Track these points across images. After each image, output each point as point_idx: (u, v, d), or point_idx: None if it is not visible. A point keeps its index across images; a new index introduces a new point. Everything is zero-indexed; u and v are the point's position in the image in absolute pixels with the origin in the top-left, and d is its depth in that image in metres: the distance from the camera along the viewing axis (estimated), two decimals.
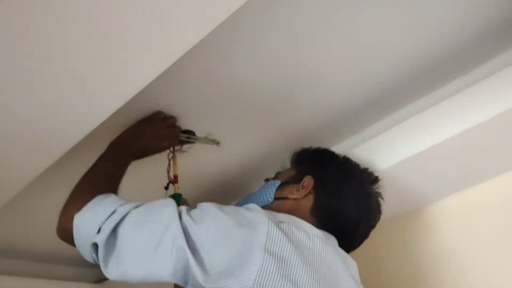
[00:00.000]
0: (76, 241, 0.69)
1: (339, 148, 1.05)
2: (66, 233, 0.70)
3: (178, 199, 0.92)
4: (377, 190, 0.88)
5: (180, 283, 0.64)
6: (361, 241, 0.86)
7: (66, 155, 0.80)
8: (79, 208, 0.69)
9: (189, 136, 0.97)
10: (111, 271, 0.64)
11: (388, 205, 0.89)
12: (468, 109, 0.86)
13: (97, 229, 0.66)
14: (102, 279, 1.49)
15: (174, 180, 0.93)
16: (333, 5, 0.73)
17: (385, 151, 0.95)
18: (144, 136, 0.88)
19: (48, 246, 1.26)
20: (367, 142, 1.00)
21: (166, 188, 0.94)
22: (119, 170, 0.83)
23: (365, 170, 0.89)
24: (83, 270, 1.48)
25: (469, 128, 0.84)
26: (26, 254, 1.32)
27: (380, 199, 0.88)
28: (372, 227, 0.86)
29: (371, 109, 1.02)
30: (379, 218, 0.87)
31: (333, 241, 0.77)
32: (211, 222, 0.65)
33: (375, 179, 0.89)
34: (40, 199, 1.05)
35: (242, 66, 0.83)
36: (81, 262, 1.40)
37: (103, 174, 0.79)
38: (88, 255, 0.68)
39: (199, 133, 0.99)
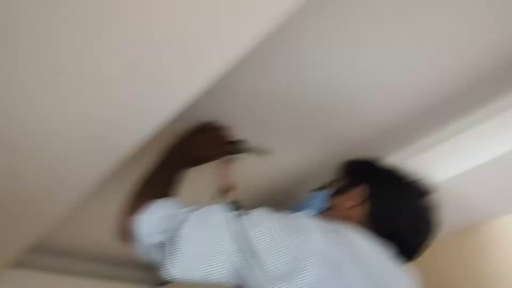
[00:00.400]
0: (137, 242, 0.73)
1: (392, 160, 1.03)
2: (126, 234, 0.75)
3: (238, 205, 0.95)
4: (431, 201, 0.85)
5: (238, 283, 0.66)
6: (421, 250, 0.82)
7: (129, 161, 0.85)
8: (139, 211, 0.74)
9: (240, 146, 1.00)
10: (173, 270, 0.67)
11: (447, 219, 0.86)
12: None
13: (160, 231, 0.70)
14: (164, 282, 1.54)
15: (232, 187, 0.96)
16: (380, 17, 0.74)
17: (443, 163, 0.93)
18: (201, 144, 0.91)
19: (113, 249, 1.34)
20: (422, 154, 0.97)
21: (216, 197, 0.96)
22: (176, 177, 0.86)
23: (417, 181, 0.87)
24: (146, 274, 1.55)
25: None
26: (90, 256, 1.41)
27: (434, 210, 0.84)
28: (425, 238, 0.82)
29: (426, 121, 0.99)
30: (433, 230, 0.83)
31: (387, 248, 0.76)
32: (266, 226, 0.67)
33: (428, 189, 0.86)
34: (102, 203, 1.12)
35: (291, 80, 0.85)
36: (145, 266, 1.48)
37: (161, 180, 0.83)
38: (149, 256, 0.72)
39: (248, 144, 1.02)
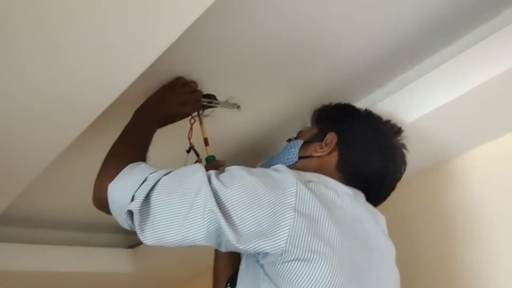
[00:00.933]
0: (111, 210, 0.71)
1: (363, 103, 1.03)
2: (101, 203, 0.72)
3: (212, 160, 0.94)
4: (401, 141, 0.87)
5: (213, 245, 0.66)
6: (388, 194, 0.86)
7: (93, 125, 0.81)
8: (111, 178, 0.71)
9: (210, 101, 0.97)
10: (148, 237, 0.66)
11: (415, 158, 0.89)
12: (496, 55, 0.82)
13: (131, 197, 0.68)
14: (135, 244, 1.55)
15: (205, 143, 0.95)
16: None
17: (411, 104, 0.93)
18: (168, 103, 0.88)
19: (82, 215, 1.31)
20: (391, 95, 0.98)
21: (188, 151, 0.95)
22: (146, 138, 0.84)
23: (388, 122, 0.88)
24: (117, 237, 1.54)
25: (496, 76, 0.81)
26: (62, 223, 1.38)
27: (404, 150, 0.87)
28: (398, 179, 0.86)
29: (394, 62, 0.98)
30: (404, 170, 0.86)
31: (361, 197, 0.78)
32: (240, 184, 0.66)
33: (399, 130, 0.87)
34: (71, 169, 1.08)
35: (257, 28, 0.81)
36: (115, 229, 1.47)
37: (132, 143, 0.81)
38: (124, 223, 0.70)
39: (220, 97, 0.99)
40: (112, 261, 1.47)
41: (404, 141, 0.87)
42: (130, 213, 0.68)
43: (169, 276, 1.70)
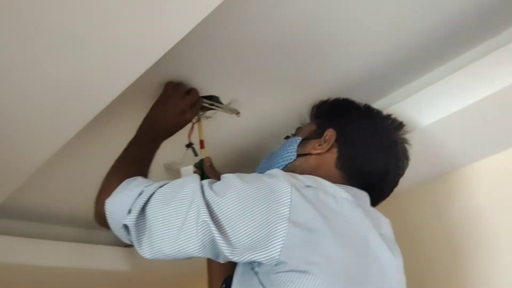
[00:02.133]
0: (110, 226, 0.71)
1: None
2: (101, 219, 0.72)
3: (201, 164, 0.93)
4: (402, 136, 0.84)
5: (211, 256, 0.65)
6: (391, 190, 0.83)
7: (93, 123, 0.81)
8: (109, 193, 0.71)
9: (212, 103, 0.97)
10: (145, 250, 0.66)
11: (424, 165, 0.86)
12: (508, 66, 0.80)
13: (127, 211, 0.68)
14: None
15: (201, 145, 0.94)
16: None
17: (422, 110, 0.91)
18: (165, 116, 0.87)
19: (81, 211, 1.31)
20: (403, 101, 0.95)
21: (187, 146, 0.94)
22: (148, 153, 0.84)
23: (388, 116, 0.86)
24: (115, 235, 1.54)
25: (508, 86, 0.79)
26: (61, 219, 1.38)
27: (406, 145, 0.84)
28: (400, 174, 0.83)
29: (401, 70, 0.97)
30: (407, 165, 0.84)
31: (363, 199, 0.75)
32: (233, 194, 0.64)
33: (400, 125, 0.85)
34: (71, 165, 1.08)
35: (264, 24, 0.80)
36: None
37: (132, 159, 0.81)
38: (124, 237, 0.70)
39: (222, 99, 0.98)
40: (109, 259, 1.47)
41: (406, 136, 0.84)
42: (127, 227, 0.68)
43: (166, 275, 1.70)
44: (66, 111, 0.77)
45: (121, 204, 0.69)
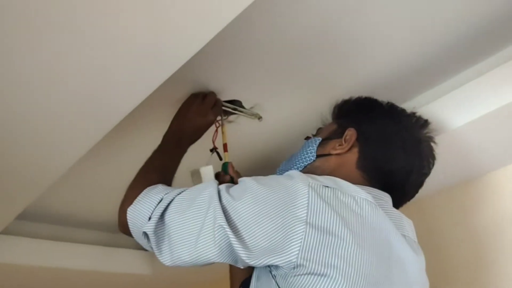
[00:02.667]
0: (132, 234, 0.72)
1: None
2: (124, 227, 0.73)
3: (225, 167, 0.93)
4: (428, 134, 0.81)
5: (229, 262, 0.64)
6: (415, 191, 0.81)
7: (118, 128, 0.82)
8: (131, 202, 0.72)
9: (234, 107, 0.97)
10: (166, 258, 0.66)
11: (450, 171, 0.84)
12: None
13: (147, 219, 0.69)
14: None
15: (224, 149, 0.94)
16: None
17: (451, 112, 0.88)
18: (189, 120, 0.88)
19: (104, 216, 1.32)
20: (430, 103, 0.93)
21: (212, 151, 0.95)
22: (171, 161, 0.85)
23: (413, 114, 0.83)
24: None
25: None
26: (86, 223, 1.40)
27: (432, 143, 0.81)
28: (425, 174, 0.80)
29: (427, 72, 0.95)
30: (433, 164, 0.81)
31: (385, 200, 0.73)
32: (250, 197, 0.64)
33: (425, 123, 0.82)
34: (96, 170, 1.10)
35: (284, 26, 0.79)
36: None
37: (155, 167, 0.81)
38: (145, 245, 0.71)
39: (245, 104, 0.99)
40: (131, 262, 1.48)
41: (432, 134, 0.82)
42: (147, 234, 0.68)
43: (187, 280, 1.70)
44: (93, 115, 0.78)
45: (141, 212, 0.70)
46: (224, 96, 0.96)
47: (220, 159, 0.96)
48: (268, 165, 1.20)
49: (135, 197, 0.72)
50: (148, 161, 0.83)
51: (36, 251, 1.29)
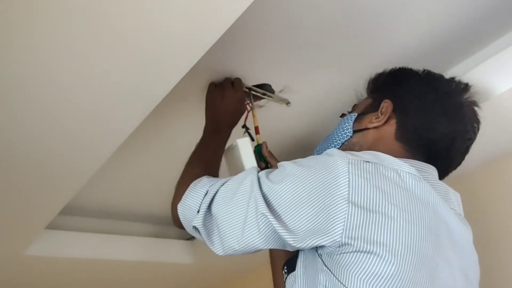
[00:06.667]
0: (185, 228, 0.75)
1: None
2: (177, 222, 0.76)
3: (259, 149, 0.93)
4: (470, 99, 0.77)
5: (278, 247, 0.65)
6: (462, 158, 0.77)
7: (152, 118, 0.83)
8: (181, 197, 0.75)
9: (264, 92, 0.97)
10: (218, 248, 0.68)
11: (494, 142, 0.78)
12: None
13: (196, 212, 0.71)
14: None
15: (256, 131, 0.94)
16: None
17: (495, 76, 0.83)
18: (225, 105, 0.90)
19: (146, 207, 1.36)
20: (471, 70, 0.87)
21: (243, 127, 0.95)
22: (214, 150, 0.86)
23: (452, 79, 0.79)
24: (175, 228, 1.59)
25: None
26: (128, 214, 1.43)
27: (475, 107, 0.77)
28: (470, 139, 0.76)
29: (467, 38, 0.90)
30: (478, 129, 0.77)
31: (430, 173, 0.71)
32: (289, 180, 0.63)
33: (466, 87, 0.78)
34: (134, 165, 1.12)
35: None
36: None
37: (198, 160, 0.84)
38: (199, 237, 0.73)
39: (274, 86, 0.98)
40: (172, 252, 1.52)
41: (474, 98, 0.78)
42: (196, 228, 0.71)
43: (228, 268, 1.73)
44: (125, 106, 0.80)
45: (190, 206, 0.72)
46: (252, 81, 0.95)
47: (252, 139, 0.95)
48: (301, 149, 1.19)
49: (183, 193, 0.75)
50: (192, 155, 0.85)
51: (83, 244, 1.34)
